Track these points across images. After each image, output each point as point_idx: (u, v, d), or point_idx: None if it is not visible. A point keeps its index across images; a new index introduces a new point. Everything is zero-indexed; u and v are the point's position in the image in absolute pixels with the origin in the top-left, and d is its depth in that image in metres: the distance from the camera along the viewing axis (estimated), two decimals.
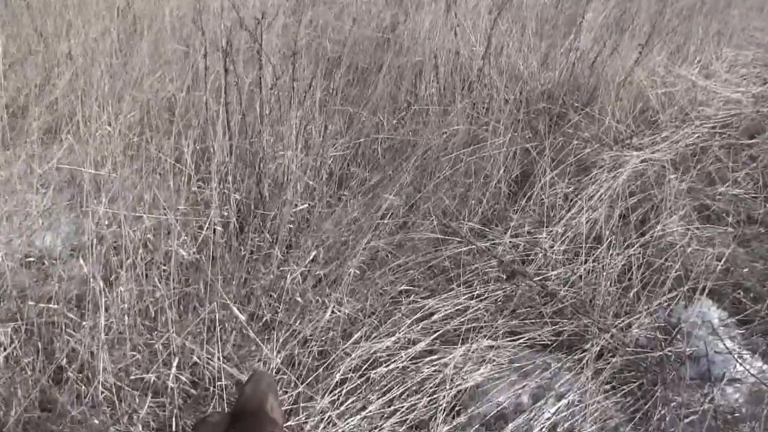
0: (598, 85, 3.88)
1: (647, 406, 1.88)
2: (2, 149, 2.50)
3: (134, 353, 1.58)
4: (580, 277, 2.34)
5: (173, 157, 2.10)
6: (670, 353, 2.03)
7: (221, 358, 1.58)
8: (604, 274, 2.35)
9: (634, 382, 1.96)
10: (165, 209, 1.87)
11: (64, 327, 1.61)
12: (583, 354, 1.97)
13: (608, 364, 1.93)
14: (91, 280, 1.66)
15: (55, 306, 1.60)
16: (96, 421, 1.42)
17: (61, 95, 2.70)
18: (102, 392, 1.49)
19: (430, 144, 2.84)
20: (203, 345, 1.70)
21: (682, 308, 2.42)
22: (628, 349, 2.00)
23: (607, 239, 2.54)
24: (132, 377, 1.52)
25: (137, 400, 1.48)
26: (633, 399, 1.92)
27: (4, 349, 1.45)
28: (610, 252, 2.43)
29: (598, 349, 1.99)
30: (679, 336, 2.19)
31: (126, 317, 1.60)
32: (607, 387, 1.92)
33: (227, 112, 2.15)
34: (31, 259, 1.83)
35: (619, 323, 2.15)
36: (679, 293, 2.38)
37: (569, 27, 4.32)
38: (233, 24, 2.40)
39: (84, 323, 1.59)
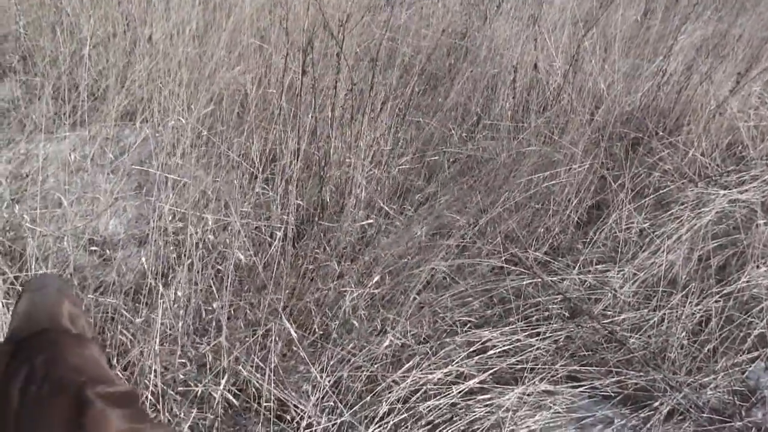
0: (684, 113, 3.62)
1: None
2: (81, 129, 2.55)
3: (183, 361, 1.55)
4: (652, 325, 2.17)
5: (240, 155, 2.07)
6: (750, 424, 1.84)
7: (270, 372, 1.53)
8: (679, 324, 2.17)
9: None
10: (227, 209, 1.83)
11: (118, 319, 1.60)
12: (651, 412, 1.81)
13: (679, 428, 1.77)
14: (149, 275, 1.64)
15: (112, 300, 1.59)
16: None
17: (139, 80, 2.74)
18: (149, 394, 1.47)
19: (499, 162, 2.71)
20: (250, 354, 1.66)
21: (761, 371, 2.21)
22: (702, 414, 1.83)
23: (685, 285, 2.34)
24: (180, 388, 1.49)
25: (182, 409, 1.46)
26: None
27: None
28: (688, 300, 2.24)
29: (668, 409, 1.83)
30: (757, 404, 1.99)
31: (179, 320, 1.58)
32: None
33: (298, 113, 2.10)
34: (94, 248, 1.84)
35: (692, 382, 1.97)
36: (761, 354, 2.18)
37: (659, 47, 4.06)
38: (315, 22, 2.35)
39: (137, 320, 1.58)
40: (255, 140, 2.00)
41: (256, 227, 1.95)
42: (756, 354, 2.18)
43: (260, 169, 2.01)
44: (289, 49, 2.06)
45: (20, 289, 0.67)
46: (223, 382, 1.47)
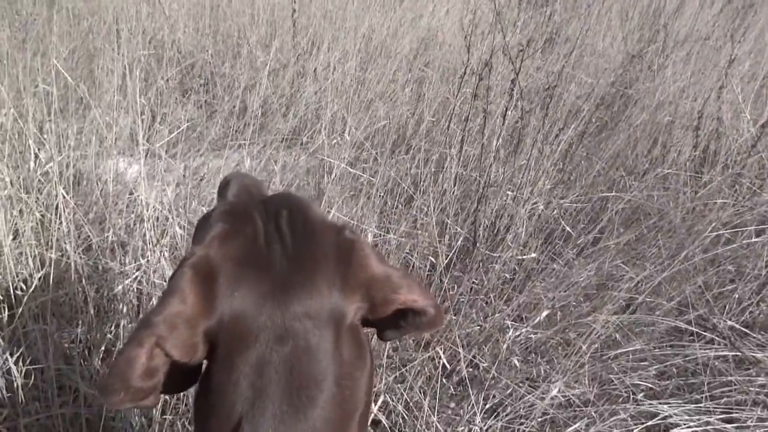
0: None
1: None
2: (249, 148, 2.68)
3: None
4: None
5: (399, 175, 2.00)
6: None
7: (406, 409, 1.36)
8: None
9: None
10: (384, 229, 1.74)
11: None
12: None
13: None
14: None
15: None
16: None
17: (303, 106, 2.86)
18: None
19: (676, 214, 2.37)
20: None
21: None
22: None
23: None
24: None
25: None
26: None
27: None
28: None
29: None
30: None
31: None
32: None
33: (462, 140, 1.99)
34: None
35: None
36: None
37: None
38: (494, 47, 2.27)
39: None
40: (419, 160, 1.92)
41: (408, 251, 1.83)
42: None
43: (420, 191, 1.92)
44: (466, 67, 1.98)
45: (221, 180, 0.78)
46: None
